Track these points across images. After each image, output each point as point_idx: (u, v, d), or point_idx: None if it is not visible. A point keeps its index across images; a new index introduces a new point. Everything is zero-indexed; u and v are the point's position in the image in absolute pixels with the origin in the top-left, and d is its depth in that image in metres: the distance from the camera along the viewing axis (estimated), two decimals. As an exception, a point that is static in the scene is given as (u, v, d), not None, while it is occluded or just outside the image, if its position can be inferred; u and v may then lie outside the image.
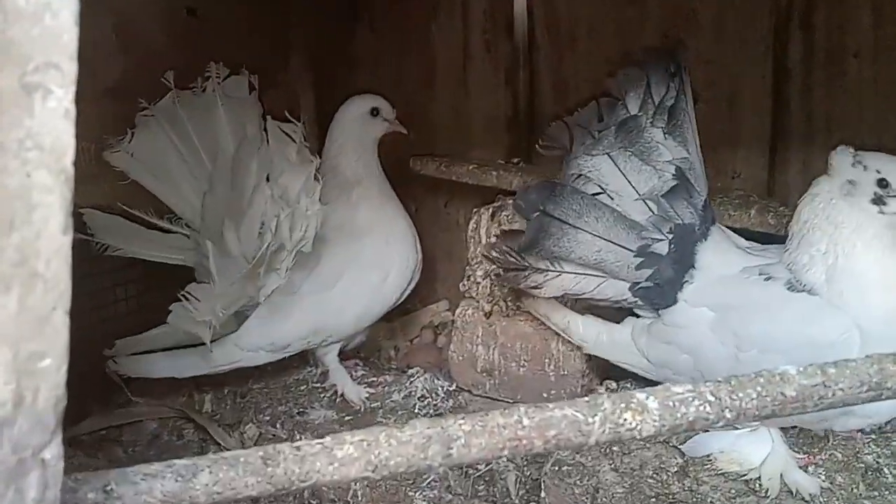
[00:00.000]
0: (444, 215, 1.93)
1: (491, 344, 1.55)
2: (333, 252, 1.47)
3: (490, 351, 1.55)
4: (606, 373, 1.48)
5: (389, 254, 1.52)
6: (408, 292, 1.58)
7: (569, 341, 1.40)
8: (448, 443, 0.62)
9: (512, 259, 1.25)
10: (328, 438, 0.60)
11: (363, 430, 0.61)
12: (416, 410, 1.53)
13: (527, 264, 1.24)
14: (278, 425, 1.49)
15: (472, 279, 1.56)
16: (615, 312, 1.31)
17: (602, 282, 1.22)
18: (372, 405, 1.54)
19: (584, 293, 1.24)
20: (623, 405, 0.65)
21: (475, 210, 1.57)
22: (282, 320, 1.45)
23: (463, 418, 0.63)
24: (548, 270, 1.23)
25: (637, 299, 1.22)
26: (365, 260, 1.50)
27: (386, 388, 1.59)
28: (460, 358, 1.58)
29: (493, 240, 1.49)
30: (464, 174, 1.68)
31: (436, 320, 1.95)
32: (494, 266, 1.36)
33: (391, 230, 1.54)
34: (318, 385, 1.60)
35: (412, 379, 1.61)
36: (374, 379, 1.63)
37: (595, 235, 1.19)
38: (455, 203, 1.90)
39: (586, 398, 0.66)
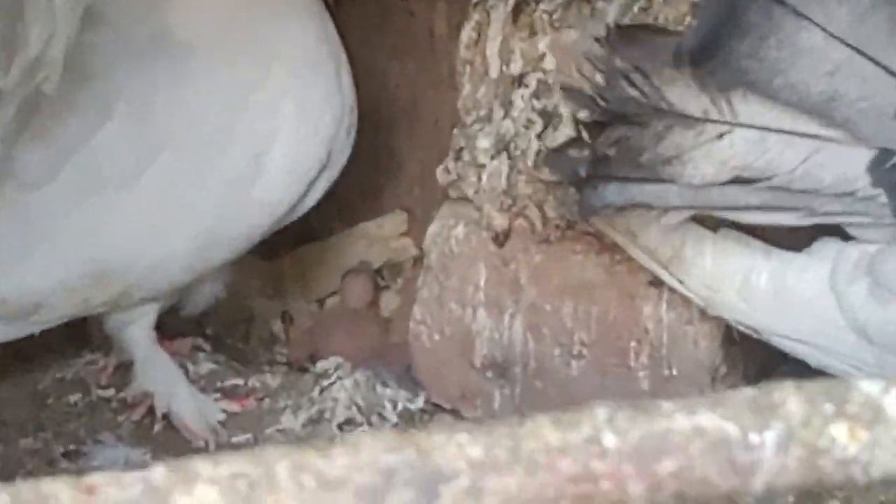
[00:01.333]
0: (398, 14, 1.92)
1: (507, 305, 1.57)
2: (134, 99, 1.48)
3: (505, 321, 1.57)
4: (766, 371, 1.51)
5: (270, 101, 1.52)
6: (318, 192, 1.58)
7: (678, 292, 1.43)
8: (433, 485, 0.62)
9: (634, 90, 1.25)
10: (160, 468, 0.60)
11: (244, 452, 0.61)
12: (333, 451, 1.57)
13: (666, 104, 1.25)
14: (19, 480, 1.50)
15: (466, 157, 1.58)
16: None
17: (816, 149, 1.25)
18: (233, 439, 1.57)
19: (768, 178, 1.25)
20: (830, 407, 0.66)
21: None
22: (19, 251, 1.47)
23: (468, 430, 0.64)
24: (706, 121, 1.25)
25: (880, 190, 1.24)
26: (210, 117, 1.50)
27: (267, 401, 1.62)
28: (435, 336, 1.62)
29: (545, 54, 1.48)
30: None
31: (376, 255, 1.96)
32: (580, 107, 1.34)
33: (273, 46, 1.54)
34: (112, 394, 1.63)
35: (325, 383, 1.63)
36: (240, 382, 1.66)
37: (832, 36, 1.21)
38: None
39: (747, 389, 0.67)
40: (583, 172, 1.31)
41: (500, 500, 0.63)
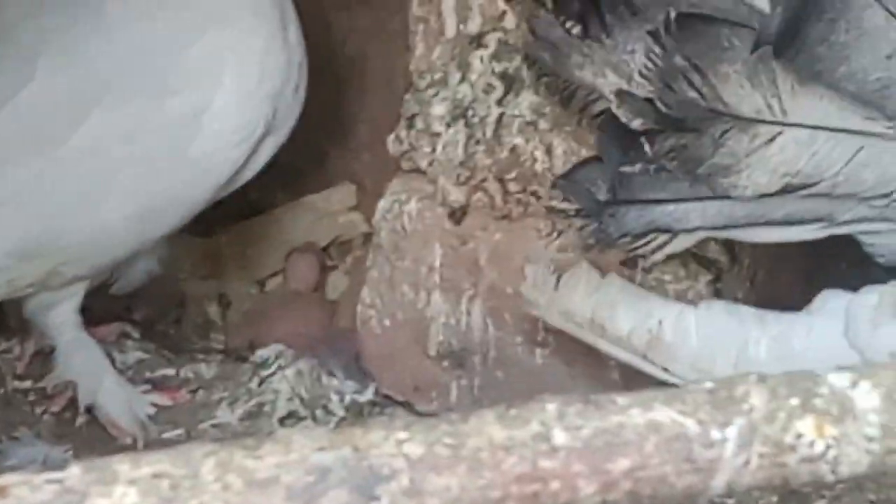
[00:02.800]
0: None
1: (465, 288, 1.59)
2: (57, 55, 1.48)
3: (462, 305, 1.59)
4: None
5: (209, 52, 1.53)
6: (263, 157, 1.59)
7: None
8: (370, 485, 0.64)
9: (693, 91, 1.25)
10: (75, 468, 0.62)
11: (166, 451, 0.62)
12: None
13: (723, 105, 1.26)
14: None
15: (420, 125, 1.58)
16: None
17: (860, 146, 1.27)
18: (164, 435, 1.58)
19: (814, 183, 1.27)
20: (796, 401, 0.68)
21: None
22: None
23: (408, 427, 0.66)
24: (759, 122, 1.26)
25: None
26: (142, 71, 1.51)
27: (201, 393, 1.63)
28: (386, 322, 1.63)
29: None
30: None
31: (323, 232, 1.98)
32: (634, 115, 1.32)
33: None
34: (29, 385, 1.64)
35: (264, 373, 1.65)
36: (171, 373, 1.67)
37: (892, 16, 1.24)
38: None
39: (707, 382, 0.68)
40: (602, 197, 1.31)
41: (441, 501, 0.65)
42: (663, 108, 1.28)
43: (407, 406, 1.64)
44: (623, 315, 1.38)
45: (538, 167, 1.53)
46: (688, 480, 0.67)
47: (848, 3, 1.24)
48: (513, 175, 1.55)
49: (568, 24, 1.32)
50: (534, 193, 1.54)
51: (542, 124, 1.52)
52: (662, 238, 1.32)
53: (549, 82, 1.43)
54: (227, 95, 1.51)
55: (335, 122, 1.96)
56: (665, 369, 1.39)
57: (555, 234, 1.54)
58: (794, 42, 1.24)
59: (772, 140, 1.28)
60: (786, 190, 1.28)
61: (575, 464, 0.66)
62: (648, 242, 1.32)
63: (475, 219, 1.57)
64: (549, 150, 1.52)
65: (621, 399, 0.68)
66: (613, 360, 1.52)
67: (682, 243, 1.33)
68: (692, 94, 1.27)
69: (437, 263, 1.59)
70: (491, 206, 1.56)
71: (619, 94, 1.34)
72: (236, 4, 1.55)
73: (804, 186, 1.28)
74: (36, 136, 1.47)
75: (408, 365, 1.63)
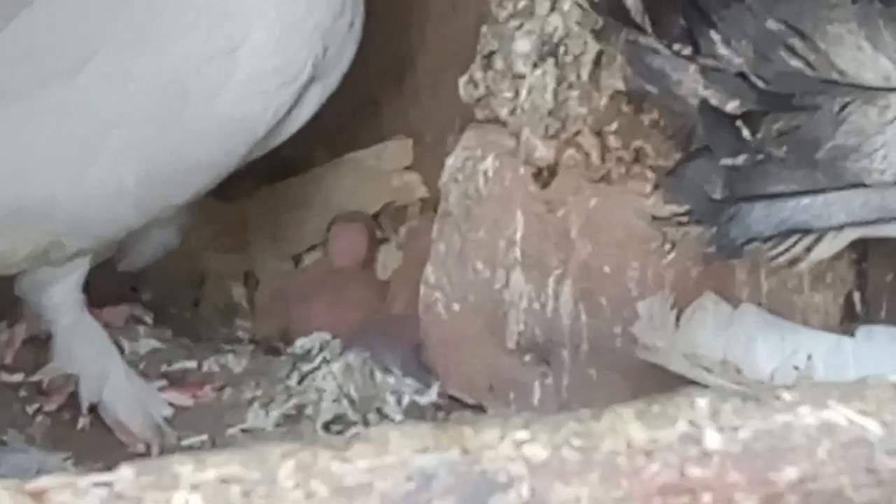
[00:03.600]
0: None
1: (553, 265, 1.59)
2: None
3: (549, 287, 1.59)
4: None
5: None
6: (311, 106, 1.60)
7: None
8: (482, 495, 0.64)
9: (797, 59, 1.26)
10: (127, 470, 0.62)
11: (237, 451, 0.63)
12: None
13: (838, 74, 1.26)
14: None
15: (499, 65, 1.58)
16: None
17: None
18: (183, 441, 1.59)
19: None
20: None
21: None
22: None
23: (528, 425, 0.66)
24: (889, 90, 1.27)
25: None
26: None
27: (228, 392, 1.65)
28: (454, 307, 1.64)
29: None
30: None
31: (372, 196, 1.98)
32: (727, 95, 1.32)
33: None
34: (20, 378, 1.64)
35: (306, 368, 1.66)
36: (192, 366, 1.68)
37: None
38: None
39: (892, 377, 0.68)
40: (718, 194, 1.31)
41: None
42: (760, 84, 1.28)
43: (478, 410, 1.64)
44: (762, 353, 1.39)
45: (645, 118, 1.52)
46: (868, 495, 0.67)
47: None
48: (613, 127, 1.55)
49: (675, 47, 1.32)
50: (639, 150, 1.54)
51: (652, 64, 1.52)
52: (805, 241, 1.31)
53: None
54: (267, 28, 1.51)
55: (388, 61, 1.97)
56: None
57: (667, 247, 1.54)
58: None
59: None
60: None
61: (731, 472, 0.66)
62: (789, 248, 1.32)
63: (566, 180, 1.57)
64: (659, 97, 1.52)
65: (788, 394, 0.68)
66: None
67: (830, 246, 1.32)
68: (795, 63, 1.27)
69: (519, 235, 1.59)
70: (586, 166, 1.56)
71: (705, 71, 1.34)
72: None
73: None
74: (31, 75, 1.48)
75: (480, 359, 1.64)
